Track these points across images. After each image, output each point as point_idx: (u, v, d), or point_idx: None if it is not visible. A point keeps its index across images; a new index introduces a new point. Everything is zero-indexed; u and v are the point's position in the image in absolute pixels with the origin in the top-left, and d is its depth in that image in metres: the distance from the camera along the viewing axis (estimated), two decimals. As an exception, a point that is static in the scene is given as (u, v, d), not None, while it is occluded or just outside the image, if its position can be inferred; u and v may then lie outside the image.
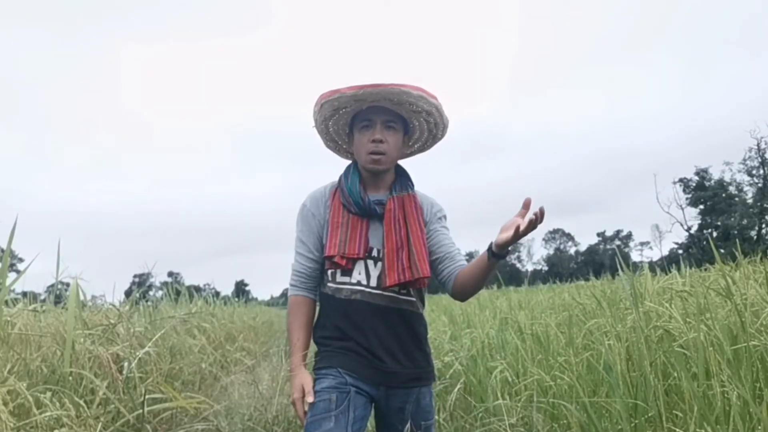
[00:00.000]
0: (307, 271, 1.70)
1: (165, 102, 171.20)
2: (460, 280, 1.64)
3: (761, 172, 33.22)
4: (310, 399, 1.55)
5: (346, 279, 1.65)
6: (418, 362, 1.68)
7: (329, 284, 1.68)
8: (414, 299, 1.69)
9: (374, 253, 1.65)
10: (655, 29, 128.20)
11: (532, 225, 1.38)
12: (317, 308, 1.74)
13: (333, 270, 1.67)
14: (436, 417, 2.28)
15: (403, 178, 1.75)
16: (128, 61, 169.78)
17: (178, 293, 7.94)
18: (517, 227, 1.38)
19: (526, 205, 1.42)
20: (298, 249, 1.72)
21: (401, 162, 1.81)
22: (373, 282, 1.64)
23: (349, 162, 1.78)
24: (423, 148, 1.82)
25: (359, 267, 1.65)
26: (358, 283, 1.64)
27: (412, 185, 1.75)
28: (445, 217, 1.78)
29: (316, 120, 1.71)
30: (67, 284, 3.39)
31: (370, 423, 1.76)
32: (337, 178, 1.75)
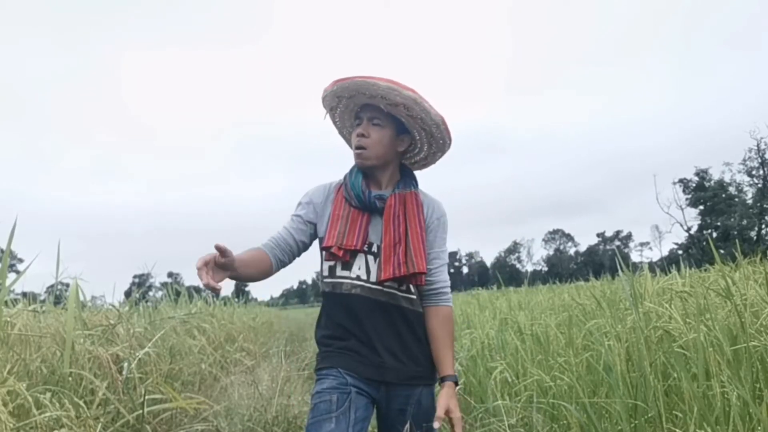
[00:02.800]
0: (280, 239, 1.68)
1: (166, 105, 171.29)
2: (428, 326, 1.71)
3: (761, 172, 33.20)
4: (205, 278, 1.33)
5: (346, 273, 1.66)
6: (419, 360, 1.68)
7: (327, 279, 1.68)
8: (414, 297, 1.68)
9: (374, 248, 1.66)
10: (655, 30, 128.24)
11: None
12: (318, 309, 1.75)
13: (333, 263, 1.67)
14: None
15: (407, 178, 1.75)
16: (129, 64, 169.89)
17: (177, 294, 7.93)
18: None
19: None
20: (285, 222, 1.73)
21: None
22: (373, 277, 1.64)
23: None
24: (431, 152, 1.77)
25: (359, 261, 1.65)
26: (358, 278, 1.65)
27: (416, 184, 1.75)
28: (444, 224, 1.76)
29: (335, 123, 1.79)
30: (67, 285, 3.39)
31: (372, 425, 1.76)
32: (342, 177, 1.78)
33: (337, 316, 1.66)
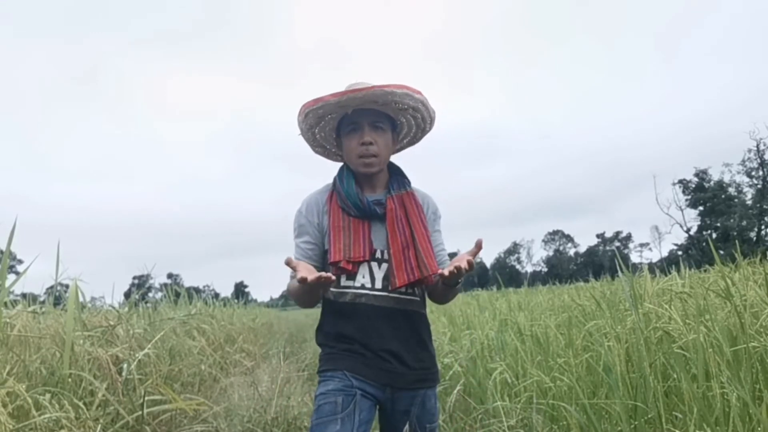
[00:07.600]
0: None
1: (167, 105, 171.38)
2: (436, 296, 1.70)
3: (760, 173, 33.26)
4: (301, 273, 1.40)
5: (350, 283, 1.64)
6: (424, 363, 1.67)
7: (333, 289, 1.65)
8: (419, 299, 1.68)
9: (378, 254, 1.64)
10: (653, 30, 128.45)
11: (474, 258, 1.45)
12: (320, 314, 1.73)
13: (337, 275, 1.64)
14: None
15: (398, 176, 1.73)
16: (131, 64, 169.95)
17: (177, 295, 7.93)
18: (459, 267, 1.41)
19: (478, 245, 1.46)
20: (296, 253, 1.70)
21: (393, 158, 1.79)
22: (378, 284, 1.63)
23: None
24: (412, 142, 1.81)
25: (363, 270, 1.63)
26: (362, 287, 1.62)
27: (409, 182, 1.74)
28: (439, 216, 1.79)
29: (302, 129, 1.69)
30: (67, 286, 3.39)
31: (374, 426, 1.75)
32: (331, 180, 1.74)
33: (340, 324, 1.64)
